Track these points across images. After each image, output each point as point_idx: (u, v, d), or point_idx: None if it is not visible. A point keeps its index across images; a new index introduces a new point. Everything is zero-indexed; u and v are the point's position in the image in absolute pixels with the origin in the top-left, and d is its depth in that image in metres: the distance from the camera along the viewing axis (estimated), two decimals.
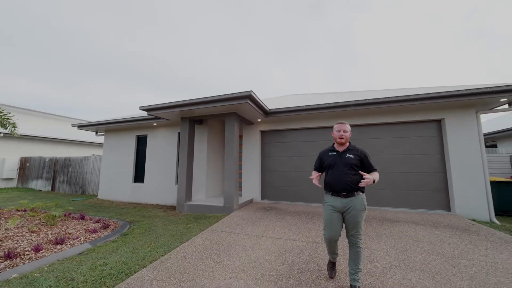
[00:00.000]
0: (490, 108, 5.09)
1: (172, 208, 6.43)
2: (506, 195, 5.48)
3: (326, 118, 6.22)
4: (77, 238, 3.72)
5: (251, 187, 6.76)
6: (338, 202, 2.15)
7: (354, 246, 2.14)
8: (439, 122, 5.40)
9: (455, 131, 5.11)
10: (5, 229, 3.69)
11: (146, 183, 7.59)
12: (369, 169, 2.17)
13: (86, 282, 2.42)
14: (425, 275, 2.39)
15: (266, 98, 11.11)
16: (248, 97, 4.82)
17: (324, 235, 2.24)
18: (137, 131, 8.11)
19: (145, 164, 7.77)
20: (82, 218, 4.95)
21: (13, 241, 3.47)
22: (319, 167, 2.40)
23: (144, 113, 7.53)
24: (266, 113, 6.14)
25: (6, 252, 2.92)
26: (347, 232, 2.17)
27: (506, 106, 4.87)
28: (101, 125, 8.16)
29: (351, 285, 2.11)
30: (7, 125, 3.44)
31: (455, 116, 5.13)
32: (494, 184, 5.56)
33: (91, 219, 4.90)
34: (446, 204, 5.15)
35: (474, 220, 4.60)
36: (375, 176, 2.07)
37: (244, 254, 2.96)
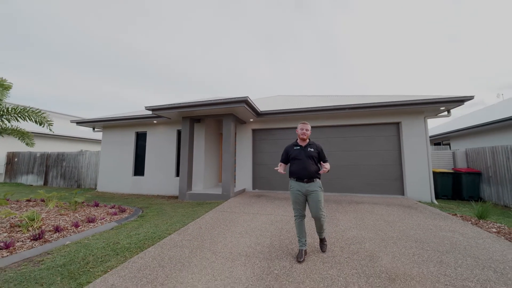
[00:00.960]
0: (435, 114, 6.45)
1: (174, 197, 7.22)
2: (446, 183, 6.94)
3: (309, 119, 7.28)
4: (103, 218, 4.46)
5: (244, 179, 7.71)
6: (302, 186, 2.65)
7: (318, 220, 2.67)
8: (397, 124, 6.69)
9: (408, 132, 6.42)
10: (46, 212, 4.31)
11: (146, 176, 8.25)
12: (324, 160, 2.79)
13: (130, 244, 3.24)
14: (371, 231, 3.51)
15: (256, 98, 12.04)
16: (245, 101, 5.73)
17: (294, 214, 2.74)
18: (136, 128, 8.68)
19: (145, 158, 8.40)
20: (97, 205, 5.60)
21: (50, 220, 4.14)
22: (286, 159, 2.89)
23: (144, 112, 8.15)
24: (258, 114, 7.09)
25: (55, 226, 3.63)
26: (311, 211, 2.66)
27: (446, 113, 6.24)
28: (100, 122, 8.62)
29: (320, 238, 2.88)
30: (44, 124, 4.00)
31: (409, 120, 6.44)
32: (439, 174, 7.01)
33: (105, 206, 5.58)
34: (401, 190, 6.47)
35: (419, 201, 5.93)
36: (328, 166, 2.71)
37: (245, 224, 3.93)
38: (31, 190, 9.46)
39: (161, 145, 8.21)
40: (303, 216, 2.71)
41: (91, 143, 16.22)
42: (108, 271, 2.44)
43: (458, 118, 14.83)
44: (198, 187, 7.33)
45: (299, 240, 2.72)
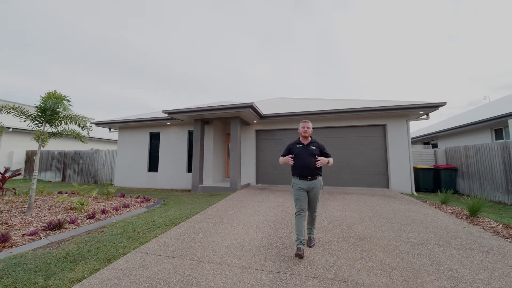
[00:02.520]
0: (416, 118, 7.36)
1: (186, 190, 8.12)
2: (427, 177, 7.87)
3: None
4: (134, 205, 5.36)
5: (248, 174, 8.63)
6: (305, 184, 2.72)
7: (312, 214, 2.87)
8: (384, 126, 7.61)
9: (393, 133, 7.34)
10: (92, 197, 5.24)
11: (160, 172, 9.15)
12: (326, 156, 2.86)
13: (164, 221, 4.14)
14: (354, 212, 4.43)
15: (257, 100, 12.95)
16: (250, 106, 6.63)
17: (296, 211, 2.75)
18: (150, 128, 9.57)
19: (158, 156, 9.30)
20: (123, 196, 6.51)
21: (93, 206, 5.04)
22: (287, 156, 2.92)
23: (158, 114, 9.03)
24: (261, 117, 7.99)
25: (102, 209, 4.54)
26: (308, 205, 2.81)
27: (425, 116, 7.16)
28: (116, 123, 9.50)
29: (308, 237, 2.94)
30: (85, 128, 4.86)
31: (393, 122, 7.36)
32: (420, 170, 7.94)
33: (131, 196, 6.48)
34: (386, 183, 7.40)
35: (401, 193, 6.86)
36: (329, 159, 2.81)
37: (253, 208, 4.84)
38: (52, 185, 10.33)
39: (174, 144, 9.11)
40: (305, 210, 2.73)
41: (101, 143, 17.08)
42: (157, 236, 3.35)
43: (449, 119, 15.77)
44: (208, 181, 8.24)
45: (297, 238, 2.63)
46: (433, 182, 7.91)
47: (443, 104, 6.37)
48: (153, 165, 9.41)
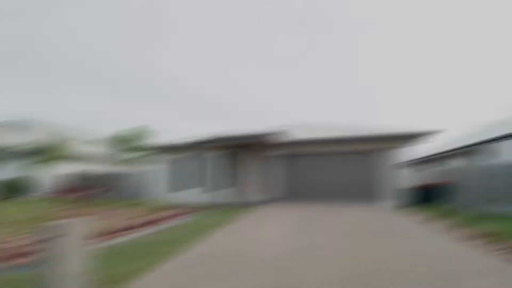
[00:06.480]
0: (406, 146, 9.09)
1: (230, 204, 9.71)
2: (415, 194, 9.25)
3: (322, 146, 10.03)
4: (189, 213, 7.26)
5: (279, 190, 10.33)
6: None
7: None
8: (377, 152, 9.29)
9: (384, 159, 9.08)
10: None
11: (204, 188, 10.95)
12: None
13: (213, 223, 5.92)
14: (344, 216, 6.10)
15: (282, 126, 14.82)
16: (282, 134, 8.72)
17: None
18: (195, 150, 11.49)
19: (204, 174, 11.18)
20: (175, 208, 8.43)
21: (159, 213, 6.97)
22: None
23: (201, 139, 11.20)
24: (288, 143, 9.87)
25: (174, 214, 6.48)
26: None
27: (416, 143, 8.89)
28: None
29: None
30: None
31: (386, 149, 9.11)
32: (412, 188, 9.40)
33: (182, 208, 8.40)
34: (376, 198, 8.92)
35: (391, 206, 8.31)
36: None
37: (285, 212, 6.69)
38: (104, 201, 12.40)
39: (216, 164, 11.08)
40: None
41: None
42: (231, 224, 5.20)
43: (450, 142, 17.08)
44: (248, 196, 9.84)
45: None
46: (423, 197, 9.26)
47: (438, 131, 8.22)
48: (197, 183, 11.29)
